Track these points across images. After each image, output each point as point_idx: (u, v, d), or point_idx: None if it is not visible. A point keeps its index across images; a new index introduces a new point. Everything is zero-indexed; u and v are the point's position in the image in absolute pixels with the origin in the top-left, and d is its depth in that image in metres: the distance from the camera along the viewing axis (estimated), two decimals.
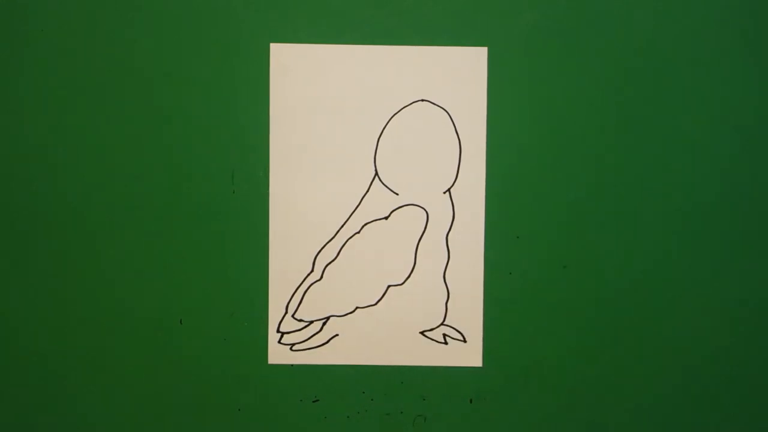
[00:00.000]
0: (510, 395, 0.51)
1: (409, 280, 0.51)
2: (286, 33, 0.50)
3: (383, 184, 0.51)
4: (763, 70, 0.51)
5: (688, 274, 0.51)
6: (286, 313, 0.51)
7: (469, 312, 0.51)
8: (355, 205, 0.51)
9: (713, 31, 0.51)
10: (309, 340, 0.51)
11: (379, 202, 0.51)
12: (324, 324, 0.51)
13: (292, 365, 0.51)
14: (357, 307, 0.51)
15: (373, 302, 0.51)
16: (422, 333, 0.51)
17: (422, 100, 0.51)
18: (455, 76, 0.50)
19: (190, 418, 0.51)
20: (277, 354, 0.51)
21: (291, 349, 0.51)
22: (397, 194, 0.51)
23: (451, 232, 0.51)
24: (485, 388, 0.51)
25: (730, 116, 0.51)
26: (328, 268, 0.51)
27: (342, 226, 0.51)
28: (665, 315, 0.51)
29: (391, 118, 0.51)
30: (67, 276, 0.51)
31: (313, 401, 0.51)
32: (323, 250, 0.51)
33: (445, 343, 0.51)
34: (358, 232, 0.51)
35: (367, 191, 0.51)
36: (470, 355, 0.51)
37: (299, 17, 0.50)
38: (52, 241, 0.51)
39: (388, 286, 0.51)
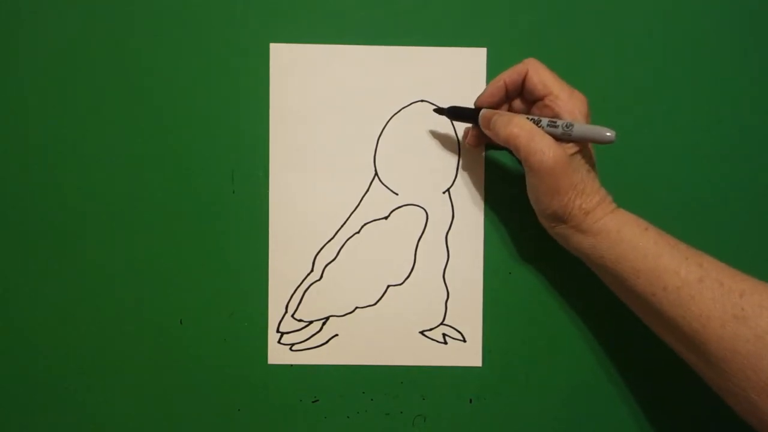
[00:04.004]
0: (510, 395, 0.51)
1: (408, 280, 0.51)
2: (286, 33, 0.50)
3: (383, 184, 0.51)
4: (764, 70, 0.51)
5: None
6: (286, 313, 0.51)
7: (469, 312, 0.51)
8: (355, 205, 0.51)
9: (713, 30, 0.51)
10: (309, 340, 0.51)
11: (378, 202, 0.51)
12: (324, 324, 0.51)
13: (291, 365, 0.51)
14: (357, 307, 0.51)
15: (373, 302, 0.51)
16: (422, 333, 0.51)
17: (422, 100, 0.51)
18: (455, 76, 0.50)
19: (190, 418, 0.51)
20: (277, 354, 0.51)
21: (291, 349, 0.51)
22: (396, 194, 0.51)
23: (450, 232, 0.51)
24: (485, 388, 0.51)
25: (731, 116, 0.51)
26: (327, 268, 0.51)
27: (342, 226, 0.51)
28: None
29: (391, 118, 0.51)
30: (67, 276, 0.51)
31: (313, 401, 0.51)
32: (323, 250, 0.51)
33: (445, 342, 0.51)
34: (358, 232, 0.51)
35: (367, 191, 0.51)
36: (470, 354, 0.51)
37: (299, 17, 0.50)
38: (53, 241, 0.51)
39: (388, 286, 0.51)
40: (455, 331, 0.51)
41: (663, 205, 0.51)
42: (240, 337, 0.51)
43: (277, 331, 0.51)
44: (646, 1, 0.51)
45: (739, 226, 0.51)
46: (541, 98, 0.45)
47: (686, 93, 0.51)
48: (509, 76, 0.45)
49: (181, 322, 0.51)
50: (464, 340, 0.51)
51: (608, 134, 0.40)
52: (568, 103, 0.43)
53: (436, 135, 0.51)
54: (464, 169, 0.51)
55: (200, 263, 0.51)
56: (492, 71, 0.50)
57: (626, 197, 0.51)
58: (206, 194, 0.51)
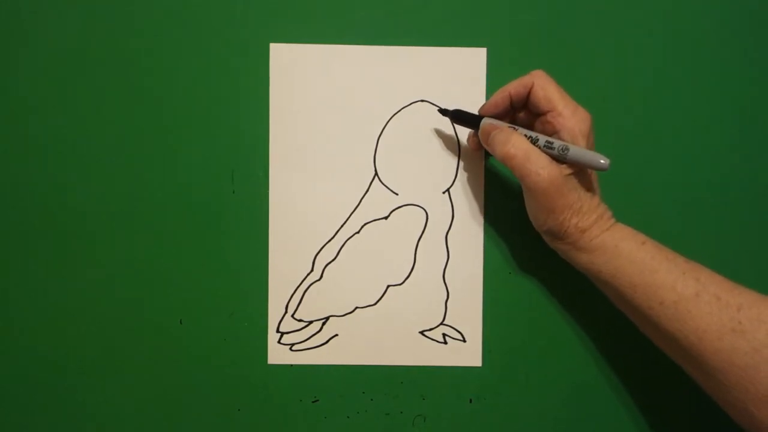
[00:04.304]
0: (510, 395, 0.51)
1: (408, 280, 0.51)
2: (286, 33, 0.50)
3: (383, 184, 0.51)
4: (764, 70, 0.51)
5: None
6: (286, 313, 0.51)
7: (469, 312, 0.51)
8: (355, 205, 0.51)
9: (713, 30, 0.51)
10: (309, 340, 0.51)
11: (378, 202, 0.51)
12: (324, 324, 0.51)
13: (291, 365, 0.51)
14: (357, 307, 0.51)
15: (373, 302, 0.51)
16: (422, 333, 0.51)
17: (422, 100, 0.51)
18: (455, 76, 0.50)
19: (191, 418, 0.51)
20: (277, 354, 0.51)
21: (291, 349, 0.51)
22: (396, 194, 0.51)
23: (450, 232, 0.51)
24: (485, 388, 0.51)
25: (731, 116, 0.51)
26: (327, 268, 0.51)
27: (342, 226, 0.51)
28: None
29: (391, 118, 0.51)
30: (67, 276, 0.51)
31: (313, 401, 0.51)
32: (323, 250, 0.51)
33: (445, 342, 0.51)
34: (358, 232, 0.51)
35: (367, 191, 0.51)
36: (470, 354, 0.51)
37: (299, 17, 0.50)
38: (53, 241, 0.51)
39: (388, 286, 0.51)
40: (455, 331, 0.51)
41: (663, 205, 0.51)
42: (240, 337, 0.51)
43: (277, 331, 0.51)
44: (646, 1, 0.51)
45: (739, 226, 0.51)
46: (543, 113, 0.44)
47: (686, 93, 0.51)
48: (515, 88, 0.45)
49: (181, 322, 0.51)
50: (464, 340, 0.51)
51: (602, 162, 0.41)
52: (570, 121, 0.43)
53: (436, 135, 0.51)
54: (464, 169, 0.51)
55: (200, 263, 0.51)
56: (492, 71, 0.50)
57: (625, 196, 0.51)
58: (206, 194, 0.51)
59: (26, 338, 0.51)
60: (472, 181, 0.51)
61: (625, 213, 0.50)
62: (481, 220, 0.51)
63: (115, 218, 0.51)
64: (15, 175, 0.51)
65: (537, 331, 0.51)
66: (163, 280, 0.51)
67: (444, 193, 0.51)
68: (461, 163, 0.51)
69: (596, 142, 0.48)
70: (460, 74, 0.50)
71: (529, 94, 0.45)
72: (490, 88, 0.50)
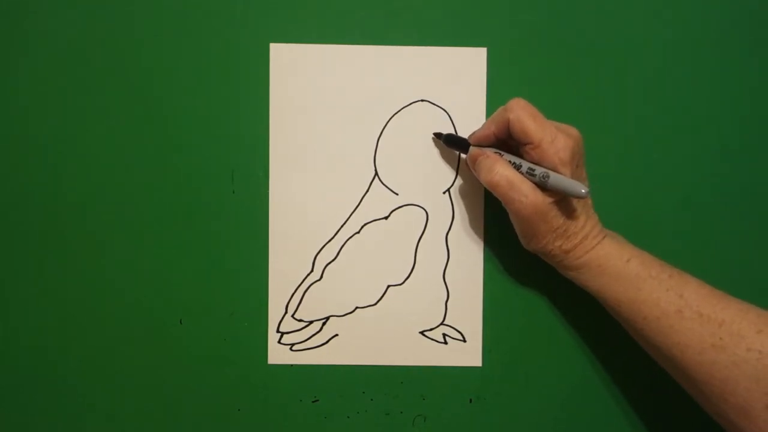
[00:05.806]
0: (510, 395, 0.51)
1: (408, 280, 0.51)
2: (286, 33, 0.50)
3: (383, 184, 0.51)
4: (764, 68, 0.51)
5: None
6: (286, 313, 0.51)
7: (469, 312, 0.51)
8: (355, 205, 0.51)
9: (713, 30, 0.51)
10: (309, 340, 0.51)
11: (378, 202, 0.51)
12: (324, 324, 0.51)
13: (292, 365, 0.51)
14: (357, 307, 0.51)
15: (373, 302, 0.51)
16: (422, 333, 0.51)
17: (422, 100, 0.51)
18: (455, 76, 0.50)
19: (190, 418, 0.51)
20: (277, 354, 0.51)
21: (291, 349, 0.51)
22: (396, 194, 0.51)
23: (450, 232, 0.51)
24: (485, 388, 0.51)
25: (731, 115, 0.51)
26: (327, 268, 0.51)
27: (342, 226, 0.51)
28: None
29: (391, 118, 0.51)
30: (67, 276, 0.51)
31: (313, 401, 0.51)
32: (323, 250, 0.51)
33: (445, 342, 0.51)
34: (358, 232, 0.51)
35: (367, 191, 0.51)
36: (470, 354, 0.51)
37: (299, 17, 0.50)
38: (53, 240, 0.51)
39: (388, 286, 0.51)
40: (455, 331, 0.51)
41: (662, 203, 0.51)
42: (240, 337, 0.51)
43: (277, 331, 0.51)
44: (646, 1, 0.51)
45: (739, 227, 0.51)
46: (524, 145, 0.44)
47: (686, 93, 0.51)
48: (496, 124, 0.45)
49: (181, 322, 0.51)
50: (464, 340, 0.51)
51: (582, 191, 0.41)
52: (548, 152, 0.43)
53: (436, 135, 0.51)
54: (464, 169, 0.51)
55: (200, 263, 0.51)
56: (492, 71, 0.50)
57: (626, 196, 0.51)
58: (206, 194, 0.51)
59: (26, 338, 0.51)
60: (472, 181, 0.51)
61: (625, 213, 0.51)
62: (481, 220, 0.51)
63: (115, 218, 0.51)
64: (15, 175, 0.51)
65: (537, 331, 0.51)
66: (163, 280, 0.51)
67: (444, 193, 0.51)
68: (461, 163, 0.51)
69: (595, 143, 0.48)
70: (460, 74, 0.50)
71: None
72: (490, 88, 0.50)
